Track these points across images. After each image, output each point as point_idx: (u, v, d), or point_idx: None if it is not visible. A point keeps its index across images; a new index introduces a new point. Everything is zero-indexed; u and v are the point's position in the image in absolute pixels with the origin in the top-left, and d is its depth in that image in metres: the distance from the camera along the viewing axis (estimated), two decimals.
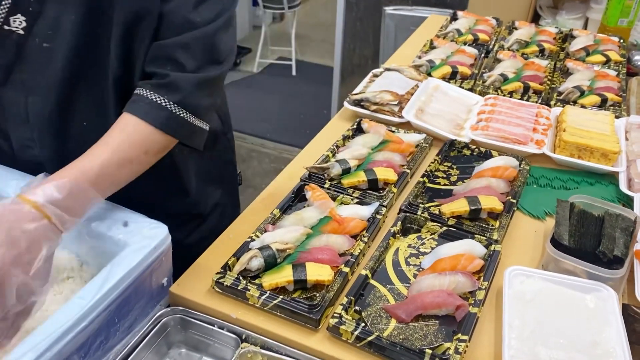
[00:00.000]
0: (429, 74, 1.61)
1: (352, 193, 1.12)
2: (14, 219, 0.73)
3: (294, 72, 4.51)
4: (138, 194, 0.94)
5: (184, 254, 0.97)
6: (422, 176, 1.19)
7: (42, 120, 0.97)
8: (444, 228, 1.05)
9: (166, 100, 0.91)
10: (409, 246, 1.03)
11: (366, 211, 1.07)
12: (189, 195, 1.17)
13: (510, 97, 1.53)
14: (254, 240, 0.99)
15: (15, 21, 0.88)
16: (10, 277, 0.70)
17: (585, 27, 2.43)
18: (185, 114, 0.94)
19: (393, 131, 1.33)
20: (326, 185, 1.14)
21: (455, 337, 0.84)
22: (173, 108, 0.92)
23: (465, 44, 1.82)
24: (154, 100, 0.91)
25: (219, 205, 1.26)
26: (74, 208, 0.78)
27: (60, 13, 0.89)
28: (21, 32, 0.89)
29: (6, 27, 0.88)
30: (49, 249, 0.75)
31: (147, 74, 0.95)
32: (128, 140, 0.88)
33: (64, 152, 0.96)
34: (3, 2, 0.87)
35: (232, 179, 1.35)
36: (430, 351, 0.81)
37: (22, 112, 0.96)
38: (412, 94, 1.47)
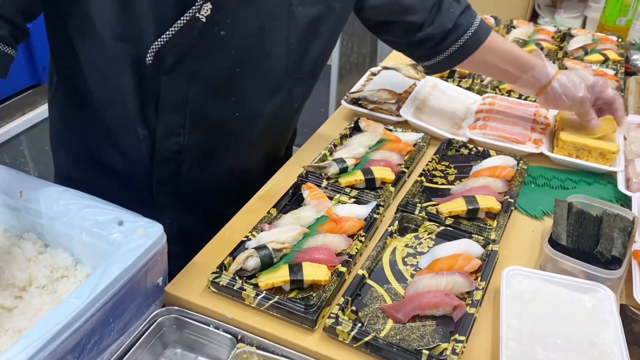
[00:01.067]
0: (427, 73, 1.61)
1: (349, 192, 1.12)
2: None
3: None
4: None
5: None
6: (420, 175, 1.18)
7: (198, 108, 1.00)
8: (442, 228, 1.05)
9: (477, 20, 1.25)
10: (406, 246, 1.03)
11: (363, 210, 1.06)
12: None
13: (509, 96, 1.52)
14: (250, 239, 0.98)
15: (203, 8, 0.89)
16: None
17: (583, 26, 2.42)
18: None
19: (391, 130, 1.32)
20: (323, 185, 1.14)
21: (452, 338, 0.84)
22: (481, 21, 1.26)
23: None
24: (479, 23, 1.25)
25: None
26: None
27: (241, 3, 0.92)
28: (204, 20, 0.90)
29: (197, 15, 0.89)
30: None
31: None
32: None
33: (210, 142, 1.07)
34: None
35: None
36: (427, 352, 0.81)
37: (181, 99, 0.99)
38: (410, 93, 1.46)
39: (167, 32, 0.90)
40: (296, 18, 0.99)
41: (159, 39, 0.91)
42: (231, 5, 0.92)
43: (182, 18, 0.89)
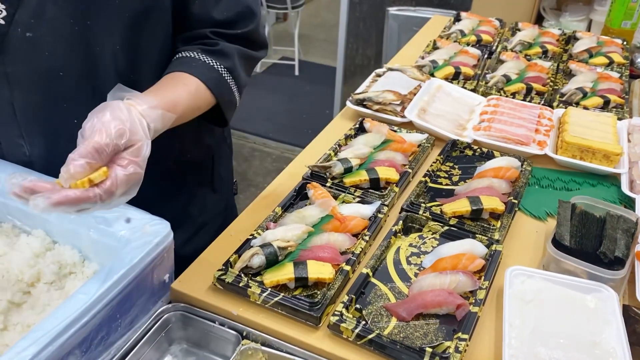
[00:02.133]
0: (432, 74, 1.62)
1: (354, 192, 1.12)
2: (124, 108, 0.75)
3: (296, 72, 4.52)
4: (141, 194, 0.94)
5: (179, 262, 0.96)
6: (424, 176, 1.19)
7: (28, 117, 0.94)
8: (446, 228, 1.05)
9: (218, 64, 0.98)
10: (410, 245, 1.03)
11: (368, 210, 1.07)
12: (188, 202, 1.18)
13: (513, 98, 1.53)
14: (255, 237, 0.99)
15: None
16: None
17: (588, 29, 2.43)
18: (231, 80, 0.99)
19: (395, 131, 1.33)
20: (328, 184, 1.14)
21: (455, 336, 0.84)
22: (223, 72, 0.98)
23: (468, 44, 1.82)
24: (206, 62, 0.96)
25: (217, 216, 1.26)
26: (154, 135, 0.81)
27: (43, 1, 0.85)
28: (2, 21, 0.85)
29: None
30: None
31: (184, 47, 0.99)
32: (197, 91, 0.94)
33: (55, 152, 0.91)
34: None
35: (230, 187, 1.36)
36: (430, 350, 0.81)
37: (8, 108, 0.93)
38: (414, 94, 1.47)
39: None
40: (114, 13, 0.89)
41: None
42: (32, 5, 0.85)
43: None
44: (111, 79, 0.94)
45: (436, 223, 1.06)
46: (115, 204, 0.75)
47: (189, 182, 1.19)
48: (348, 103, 1.46)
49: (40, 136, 0.97)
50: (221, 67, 0.98)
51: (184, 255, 1.00)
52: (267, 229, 1.01)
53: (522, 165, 1.23)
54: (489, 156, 1.28)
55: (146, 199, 0.91)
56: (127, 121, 0.74)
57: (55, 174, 0.75)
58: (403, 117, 1.39)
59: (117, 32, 0.91)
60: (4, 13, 0.85)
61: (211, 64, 0.97)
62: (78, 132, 0.75)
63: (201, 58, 0.97)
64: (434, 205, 1.12)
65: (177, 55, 0.99)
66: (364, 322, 0.85)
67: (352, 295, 0.89)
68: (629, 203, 1.18)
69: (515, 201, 1.12)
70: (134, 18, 0.91)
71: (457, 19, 2.05)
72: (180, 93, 0.91)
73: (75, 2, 0.86)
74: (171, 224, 0.88)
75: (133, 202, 0.88)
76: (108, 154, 0.72)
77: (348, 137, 1.31)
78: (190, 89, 0.93)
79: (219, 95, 0.98)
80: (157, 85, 0.92)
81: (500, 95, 1.54)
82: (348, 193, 1.12)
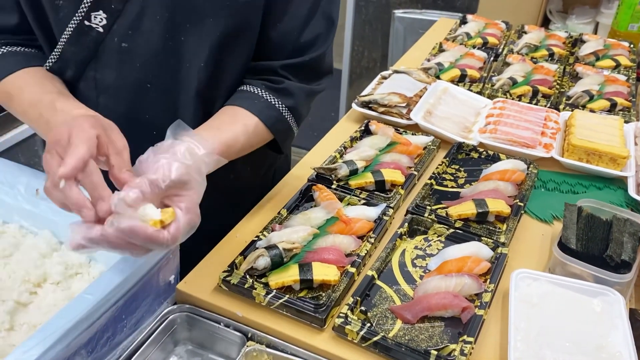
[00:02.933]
0: (438, 77, 1.62)
1: (359, 194, 1.12)
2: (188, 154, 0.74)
3: None
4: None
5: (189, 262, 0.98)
6: (430, 178, 1.19)
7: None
8: (451, 230, 1.05)
9: (279, 103, 0.98)
10: (416, 248, 1.03)
11: (373, 212, 1.07)
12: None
13: (519, 100, 1.52)
14: (261, 239, 0.99)
15: (96, 17, 0.87)
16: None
17: (595, 31, 2.42)
18: (291, 119, 1.00)
19: (401, 133, 1.33)
20: (333, 186, 1.14)
21: (460, 339, 0.84)
22: (283, 111, 0.99)
23: (474, 47, 1.82)
24: (269, 100, 0.97)
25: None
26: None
27: (142, 13, 0.88)
28: (100, 29, 0.88)
29: (86, 23, 0.87)
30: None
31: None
32: (254, 131, 0.95)
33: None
34: None
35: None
36: (435, 352, 0.81)
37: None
38: (420, 97, 1.47)
39: (61, 40, 0.90)
40: (208, 31, 0.90)
41: (58, 47, 0.90)
42: (130, 16, 0.88)
43: (69, 26, 0.88)
44: (192, 95, 0.96)
45: (442, 225, 1.06)
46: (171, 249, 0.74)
47: (248, 198, 1.16)
48: (354, 105, 1.46)
49: None
50: (283, 107, 0.99)
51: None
52: (272, 230, 1.01)
53: (528, 168, 1.23)
54: (495, 159, 1.28)
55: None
56: (190, 165, 0.73)
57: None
58: (409, 119, 1.39)
59: (206, 49, 0.92)
60: (104, 22, 0.88)
61: (273, 102, 0.98)
62: (153, 143, 0.75)
63: (264, 95, 0.97)
64: (439, 208, 1.11)
65: (241, 88, 0.99)
66: (369, 325, 0.85)
67: (357, 298, 0.89)
68: (636, 206, 1.17)
69: (521, 204, 1.12)
70: (224, 37, 0.92)
71: (463, 21, 2.05)
72: (239, 134, 0.92)
73: (172, 17, 0.89)
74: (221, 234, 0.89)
75: None
76: (162, 191, 0.70)
77: (353, 140, 1.31)
78: (249, 129, 0.94)
79: (276, 132, 0.99)
80: (217, 121, 0.93)
81: (507, 97, 1.54)
82: (353, 195, 1.12)
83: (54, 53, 0.92)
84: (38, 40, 0.94)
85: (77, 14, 0.87)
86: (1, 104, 0.94)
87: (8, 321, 0.83)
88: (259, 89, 0.98)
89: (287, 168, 1.32)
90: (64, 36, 0.89)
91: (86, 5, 0.86)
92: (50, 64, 0.93)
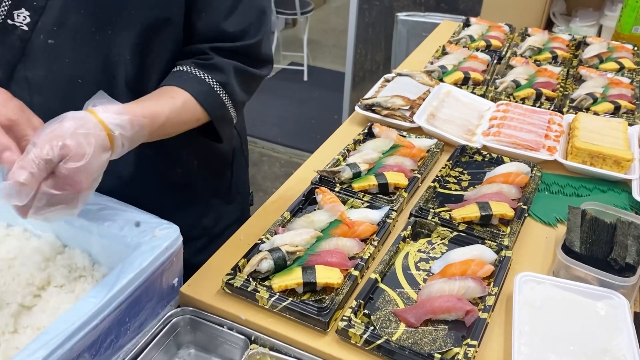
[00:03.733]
0: (441, 80, 1.62)
1: (363, 197, 1.12)
2: (80, 122, 0.75)
3: (305, 78, 4.53)
4: (153, 204, 0.94)
5: (190, 270, 0.97)
6: (433, 181, 1.19)
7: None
8: (455, 233, 1.05)
9: (209, 78, 0.96)
10: (419, 251, 1.03)
11: (376, 215, 1.07)
12: (203, 213, 1.17)
13: (523, 103, 1.52)
14: (264, 242, 0.99)
15: (19, 16, 0.86)
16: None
17: (599, 34, 2.42)
18: (224, 95, 0.98)
19: (404, 136, 1.33)
20: (337, 189, 1.14)
21: (464, 342, 0.84)
22: (214, 85, 0.97)
23: (477, 50, 1.82)
24: (198, 75, 0.96)
25: (231, 226, 1.25)
26: (130, 142, 0.81)
27: (65, 8, 0.87)
28: (25, 27, 0.87)
29: (9, 22, 0.86)
30: (103, 156, 0.76)
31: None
32: (183, 105, 0.93)
33: None
34: None
35: (245, 198, 1.35)
36: (439, 355, 0.81)
37: None
38: (423, 99, 1.47)
39: None
40: (132, 22, 0.90)
41: None
42: (53, 12, 0.86)
43: None
44: (122, 88, 0.95)
45: (445, 228, 1.06)
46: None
47: (202, 193, 1.18)
48: (357, 108, 1.46)
49: None
50: (213, 81, 0.97)
51: (196, 263, 1.00)
52: (275, 233, 1.01)
53: (531, 171, 1.23)
54: (499, 162, 1.28)
55: (156, 209, 0.92)
56: (70, 136, 0.74)
57: None
58: (412, 122, 1.39)
59: (131, 41, 0.91)
60: (28, 19, 0.87)
61: (202, 77, 0.96)
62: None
63: (193, 72, 0.96)
64: (442, 211, 1.11)
65: (172, 70, 0.99)
66: (372, 328, 0.85)
67: (361, 301, 0.89)
68: None
69: (525, 207, 1.12)
70: (148, 28, 0.92)
71: (467, 24, 2.05)
72: (164, 105, 0.90)
73: (96, 11, 0.88)
74: (184, 235, 0.88)
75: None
76: (45, 168, 0.72)
77: (357, 142, 1.31)
78: (176, 102, 0.92)
79: (210, 109, 0.96)
80: (143, 97, 0.91)
81: (510, 100, 1.54)
82: (357, 198, 1.12)
83: None
84: None
85: None
86: None
87: (12, 324, 0.83)
88: (188, 67, 0.97)
89: (245, 165, 1.32)
90: None
91: (7, 3, 0.85)
92: None
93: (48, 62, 0.90)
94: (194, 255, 1.09)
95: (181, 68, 0.97)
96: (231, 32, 0.98)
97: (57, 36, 0.88)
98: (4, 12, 0.86)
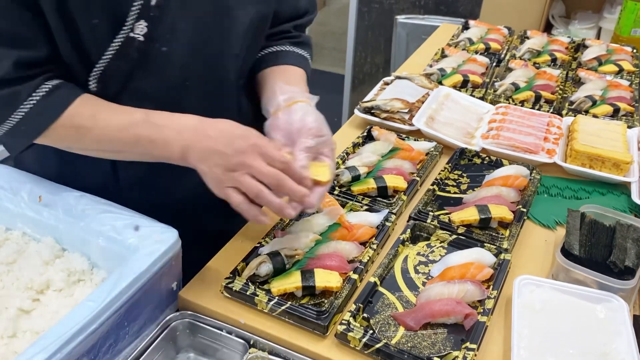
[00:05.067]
0: (440, 83, 1.62)
1: (362, 200, 1.12)
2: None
3: None
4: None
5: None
6: (432, 184, 1.19)
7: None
8: (454, 236, 1.05)
9: (306, 54, 1.14)
10: (418, 254, 1.03)
11: (375, 218, 1.07)
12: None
13: (522, 106, 1.52)
14: (263, 245, 0.99)
15: (137, 27, 0.87)
16: None
17: (598, 36, 2.42)
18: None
19: (403, 139, 1.33)
20: (335, 192, 1.14)
21: (463, 346, 0.84)
22: (310, 61, 1.15)
23: (476, 52, 1.82)
24: (299, 53, 1.12)
25: None
26: None
27: (179, 16, 0.90)
28: (142, 38, 0.88)
29: (131, 35, 0.88)
30: None
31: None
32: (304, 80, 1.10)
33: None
34: (132, 10, 0.85)
35: None
36: (438, 359, 0.81)
37: None
38: (422, 102, 1.47)
39: (105, 56, 0.88)
40: (241, 22, 0.96)
41: (98, 64, 0.89)
42: (168, 20, 0.89)
43: (115, 40, 0.87)
44: (231, 84, 1.03)
45: (444, 232, 1.06)
46: None
47: None
48: (356, 111, 1.46)
49: None
50: (308, 56, 1.14)
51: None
52: (274, 237, 1.01)
53: (531, 173, 1.23)
54: (498, 164, 1.28)
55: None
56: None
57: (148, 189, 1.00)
58: (411, 125, 1.39)
59: (239, 39, 0.98)
60: (145, 30, 0.88)
61: (302, 54, 1.13)
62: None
63: (295, 50, 1.12)
64: (442, 214, 1.11)
65: (271, 50, 1.10)
66: (371, 331, 0.85)
67: (360, 304, 0.89)
68: None
69: (524, 210, 1.12)
70: (252, 25, 0.99)
71: (466, 27, 2.05)
72: (305, 86, 1.08)
73: (208, 15, 0.93)
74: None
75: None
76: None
77: (356, 145, 1.31)
78: (305, 82, 1.09)
79: (308, 79, 1.12)
80: (292, 79, 1.07)
81: (509, 103, 1.54)
82: (356, 201, 1.12)
83: (94, 72, 0.90)
84: (58, 70, 0.91)
85: (124, 27, 0.87)
86: (66, 142, 0.91)
87: (11, 328, 0.83)
88: (287, 47, 1.11)
89: None
90: (108, 52, 0.88)
91: (133, 16, 0.86)
92: (94, 83, 0.91)
93: (161, 69, 0.93)
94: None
95: (282, 48, 1.11)
96: (304, 7, 1.14)
97: (169, 43, 0.91)
98: (130, 26, 0.87)
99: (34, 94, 0.86)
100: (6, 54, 0.83)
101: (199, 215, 1.10)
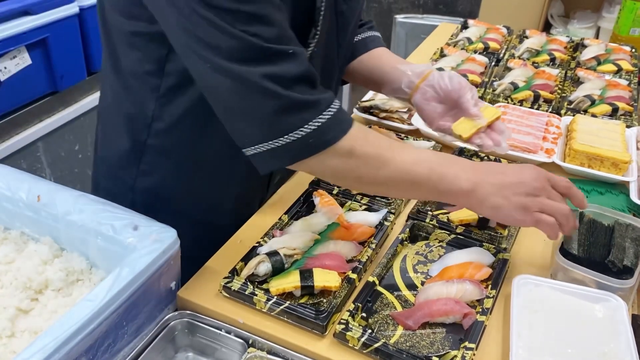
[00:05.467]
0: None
1: (361, 199, 1.12)
2: None
3: None
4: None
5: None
6: None
7: None
8: (452, 236, 1.05)
9: (378, 36, 1.25)
10: (417, 253, 1.03)
11: (374, 218, 1.07)
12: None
13: (521, 105, 1.52)
14: (262, 245, 0.99)
15: (312, 43, 0.93)
16: None
17: (596, 36, 2.42)
18: None
19: (402, 138, 1.33)
20: (334, 192, 1.14)
21: (462, 345, 0.84)
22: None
23: (475, 52, 1.82)
24: (378, 35, 1.24)
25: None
26: None
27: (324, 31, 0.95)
28: (315, 49, 0.93)
29: (314, 49, 0.93)
30: None
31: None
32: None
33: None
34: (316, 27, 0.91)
35: None
36: (437, 359, 0.81)
37: None
38: None
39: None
40: (344, 16, 1.01)
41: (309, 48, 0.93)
42: (324, 37, 0.95)
43: (312, 39, 0.92)
44: (337, 74, 1.11)
45: (443, 231, 1.06)
46: None
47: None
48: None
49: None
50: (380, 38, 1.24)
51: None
52: (273, 236, 1.01)
53: None
54: None
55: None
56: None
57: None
58: (410, 124, 1.39)
59: (349, 36, 1.08)
60: (315, 40, 0.93)
61: (379, 35, 1.24)
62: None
63: (375, 34, 1.23)
64: (440, 213, 1.11)
65: (368, 35, 1.21)
66: (370, 331, 0.85)
67: (358, 304, 0.89)
68: (638, 211, 1.17)
69: None
70: (356, 22, 1.10)
71: (465, 26, 2.05)
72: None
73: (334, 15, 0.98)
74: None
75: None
76: None
77: None
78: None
79: None
80: (393, 58, 1.18)
81: (508, 102, 1.54)
82: (354, 201, 1.12)
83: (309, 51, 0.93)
84: None
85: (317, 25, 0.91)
86: (367, 164, 0.86)
87: (9, 328, 0.83)
88: (371, 31, 1.22)
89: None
90: (309, 49, 0.92)
91: (316, 35, 0.92)
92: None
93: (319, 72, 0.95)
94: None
95: (370, 33, 1.22)
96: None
97: (317, 53, 0.95)
98: (315, 41, 0.92)
99: (332, 106, 0.83)
100: (300, 51, 0.82)
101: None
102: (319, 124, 0.80)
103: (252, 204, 1.16)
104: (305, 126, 0.80)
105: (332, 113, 0.82)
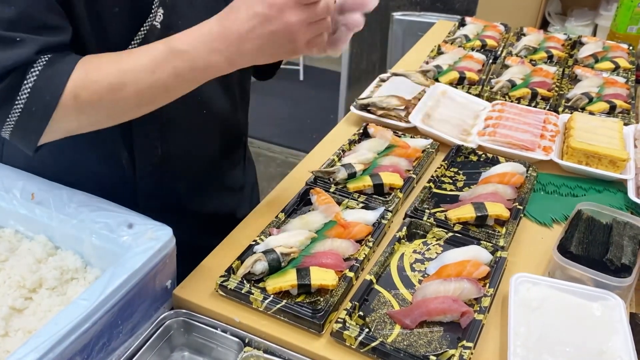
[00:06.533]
0: (437, 80, 1.61)
1: (358, 197, 1.12)
2: None
3: (301, 77, 4.51)
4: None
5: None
6: (428, 181, 1.18)
7: (171, 115, 0.97)
8: (450, 234, 1.05)
9: None
10: (414, 252, 1.03)
11: (371, 216, 1.06)
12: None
13: (518, 103, 1.52)
14: (258, 243, 0.98)
15: (157, 15, 0.87)
16: None
17: (594, 34, 2.42)
18: None
19: (399, 136, 1.33)
20: (331, 190, 1.14)
21: (460, 344, 0.83)
22: None
23: (473, 49, 1.82)
24: None
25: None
26: None
27: (190, 2, 0.91)
28: (159, 26, 0.87)
29: (154, 23, 0.87)
30: None
31: None
32: None
33: (183, 146, 1.05)
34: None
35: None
36: (434, 358, 0.80)
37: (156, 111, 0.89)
38: (419, 99, 1.46)
39: (131, 45, 0.87)
40: None
41: None
42: (178, 7, 0.90)
43: (141, 29, 0.86)
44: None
45: (440, 229, 1.05)
46: None
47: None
48: (352, 108, 1.46)
49: (176, 133, 1.02)
50: None
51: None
52: (270, 234, 1.01)
53: (527, 171, 1.22)
54: (494, 162, 1.27)
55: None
56: None
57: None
58: (407, 122, 1.38)
59: None
60: (162, 18, 0.88)
61: None
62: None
63: None
64: (438, 211, 1.11)
65: None
66: (367, 330, 0.85)
67: (356, 302, 0.88)
68: (636, 209, 1.17)
69: (521, 207, 1.11)
70: None
71: (462, 24, 2.05)
72: None
73: (219, 3, 0.89)
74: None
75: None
76: None
77: (352, 143, 1.31)
78: None
79: None
80: None
81: (505, 100, 1.53)
82: (352, 199, 1.12)
83: None
84: None
85: (150, 16, 0.86)
86: (94, 112, 0.81)
87: (3, 327, 0.82)
88: None
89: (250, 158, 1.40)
90: (134, 42, 0.87)
91: (156, 4, 0.86)
92: None
93: None
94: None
95: None
96: None
97: (180, 29, 0.85)
98: (153, 15, 0.87)
99: (32, 69, 0.77)
100: (32, 40, 0.78)
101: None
102: (29, 89, 0.77)
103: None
104: (16, 104, 0.77)
105: (37, 74, 0.77)
